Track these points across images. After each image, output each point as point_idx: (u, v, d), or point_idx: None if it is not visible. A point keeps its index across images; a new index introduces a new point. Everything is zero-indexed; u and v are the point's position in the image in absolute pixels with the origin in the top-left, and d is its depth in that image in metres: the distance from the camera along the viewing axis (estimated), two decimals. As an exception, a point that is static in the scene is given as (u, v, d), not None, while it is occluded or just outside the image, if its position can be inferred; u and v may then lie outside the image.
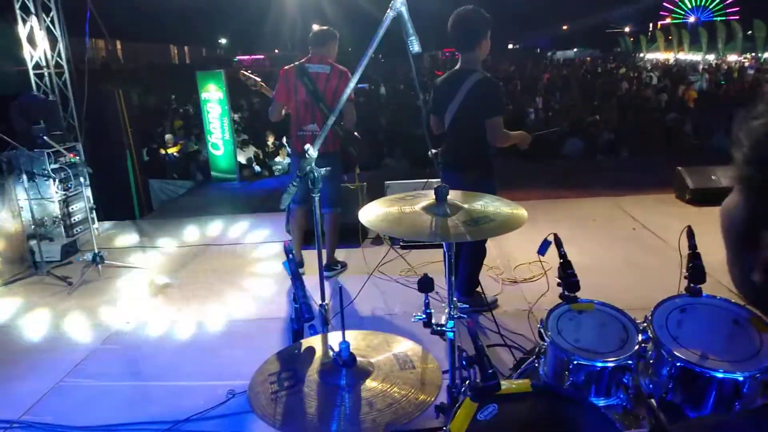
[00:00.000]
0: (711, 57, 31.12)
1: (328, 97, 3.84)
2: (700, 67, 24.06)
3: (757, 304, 0.61)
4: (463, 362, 1.64)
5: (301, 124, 3.97)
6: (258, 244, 5.28)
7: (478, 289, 3.67)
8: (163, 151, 9.74)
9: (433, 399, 1.32)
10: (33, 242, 4.95)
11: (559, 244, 2.11)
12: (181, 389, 3.05)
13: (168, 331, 3.72)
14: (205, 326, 3.77)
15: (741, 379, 1.67)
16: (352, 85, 2.18)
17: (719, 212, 0.64)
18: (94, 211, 5.37)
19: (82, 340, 3.64)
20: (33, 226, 4.98)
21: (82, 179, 4.79)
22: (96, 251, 4.61)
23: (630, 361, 1.84)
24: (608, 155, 9.55)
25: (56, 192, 5.18)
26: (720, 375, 1.69)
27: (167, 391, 3.05)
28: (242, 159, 9.17)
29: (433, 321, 1.85)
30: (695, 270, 1.96)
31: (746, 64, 24.80)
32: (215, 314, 3.92)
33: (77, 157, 4.87)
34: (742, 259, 0.59)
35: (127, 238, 5.64)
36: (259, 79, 4.38)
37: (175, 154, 10.09)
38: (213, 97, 8.06)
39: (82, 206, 5.15)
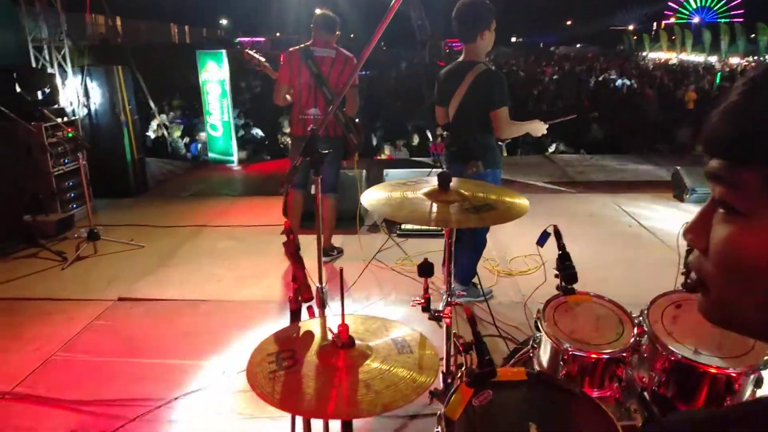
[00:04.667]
0: (713, 59, 31.10)
1: (331, 82, 3.82)
2: (701, 68, 24.06)
3: None
4: (460, 348, 1.65)
5: (303, 108, 3.95)
6: (256, 227, 5.26)
7: (475, 279, 3.69)
8: (160, 132, 9.66)
9: (431, 382, 1.32)
10: (27, 217, 4.93)
11: (558, 236, 2.11)
12: (175, 367, 3.06)
13: (163, 309, 3.72)
14: (201, 306, 3.77)
15: (734, 375, 1.69)
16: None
17: (719, 253, 0.53)
18: (90, 188, 5.34)
19: (75, 315, 3.64)
20: (28, 201, 4.96)
21: (79, 154, 4.75)
22: (92, 227, 4.59)
23: (624, 354, 1.86)
24: (605, 153, 9.57)
25: (52, 166, 5.16)
26: (713, 370, 1.70)
27: (162, 368, 3.05)
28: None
29: (431, 307, 1.86)
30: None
31: (748, 67, 24.79)
32: (211, 295, 3.92)
33: (75, 132, 4.83)
34: None
35: (124, 215, 5.62)
36: (263, 59, 4.35)
37: (175, 136, 10.01)
38: (213, 77, 7.99)
39: (78, 182, 5.12)
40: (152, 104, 8.87)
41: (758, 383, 1.72)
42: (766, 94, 0.49)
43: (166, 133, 9.46)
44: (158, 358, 3.15)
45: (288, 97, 4.03)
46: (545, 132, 3.31)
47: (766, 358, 1.70)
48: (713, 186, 0.53)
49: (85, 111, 6.15)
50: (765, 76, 0.50)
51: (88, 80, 6.11)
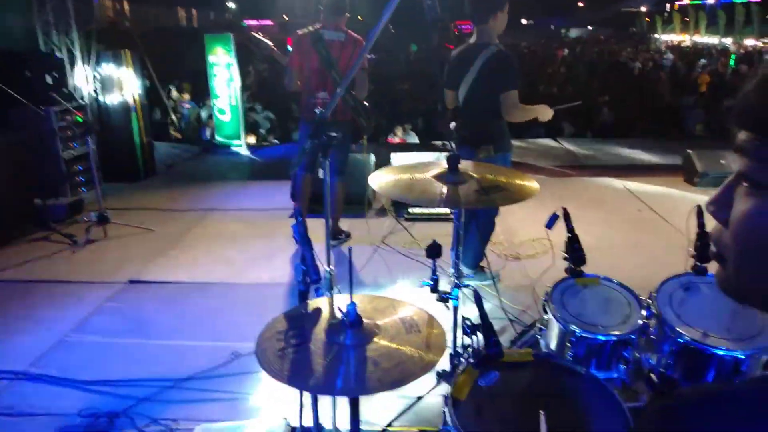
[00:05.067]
0: (728, 40, 30.53)
1: (341, 65, 3.79)
2: (715, 50, 23.64)
3: None
4: (467, 330, 1.65)
5: (313, 91, 3.93)
6: (264, 210, 5.28)
7: (483, 263, 3.68)
8: (174, 117, 9.65)
9: (438, 360, 1.33)
10: (38, 200, 4.97)
11: (567, 219, 2.10)
12: (184, 349, 3.09)
13: (173, 293, 3.75)
14: (210, 289, 3.81)
15: (742, 357, 1.68)
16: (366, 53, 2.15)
17: (739, 226, 0.54)
18: (99, 171, 5.37)
19: (86, 297, 3.68)
20: (39, 184, 4.99)
21: (89, 138, 4.77)
22: (101, 211, 4.62)
23: (632, 336, 1.86)
24: (614, 136, 9.48)
25: (62, 150, 5.19)
26: (721, 352, 1.70)
27: (170, 350, 3.09)
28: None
29: (439, 288, 1.86)
30: (702, 249, 1.96)
31: (764, 48, 24.33)
32: (220, 277, 3.96)
33: (84, 116, 4.84)
34: None
35: (133, 199, 5.66)
36: (271, 43, 4.33)
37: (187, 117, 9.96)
38: (221, 61, 7.96)
39: (87, 166, 5.14)
40: (161, 91, 8.86)
41: (766, 366, 1.72)
42: None
43: (174, 117, 9.47)
44: (168, 340, 3.18)
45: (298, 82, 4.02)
46: (551, 117, 3.29)
47: (775, 340, 1.69)
48: (739, 159, 0.53)
49: (94, 95, 6.16)
50: None
51: (96, 64, 6.11)
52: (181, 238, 4.66)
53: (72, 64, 5.99)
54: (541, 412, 1.42)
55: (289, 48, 4.09)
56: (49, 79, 5.30)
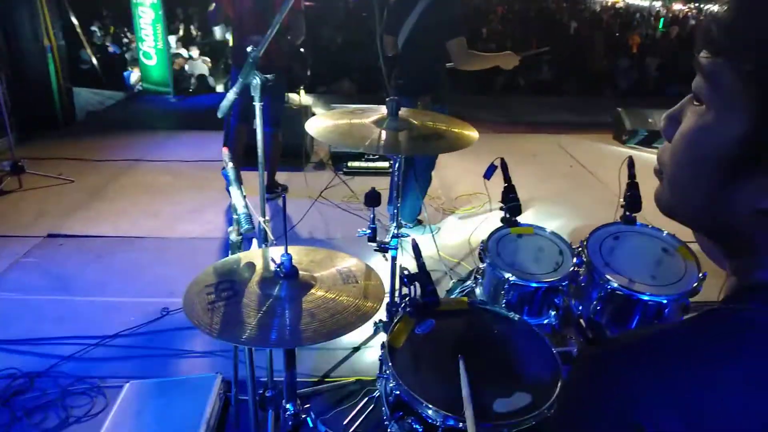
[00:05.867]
0: (658, 3, 31.49)
1: (277, 6, 3.58)
2: (646, 12, 24.35)
3: (726, 235, 0.55)
4: (404, 279, 1.64)
5: (245, 34, 3.70)
6: (195, 162, 5.05)
7: (420, 216, 3.70)
8: (95, 61, 8.93)
9: (376, 310, 1.31)
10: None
11: (505, 168, 2.11)
12: (110, 305, 2.95)
13: (96, 247, 3.54)
14: (136, 243, 3.62)
15: (665, 302, 1.77)
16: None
17: (684, 140, 0.54)
18: (11, 118, 4.92)
19: (1, 252, 3.41)
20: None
21: (-4, 80, 4.34)
22: (15, 160, 4.27)
23: (563, 283, 1.91)
24: (550, 94, 9.67)
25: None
26: (646, 297, 1.78)
27: (96, 307, 2.94)
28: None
29: (378, 238, 1.83)
30: (632, 199, 2.03)
31: (689, 13, 25.32)
32: (148, 231, 3.77)
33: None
34: (731, 188, 0.50)
35: (50, 148, 5.24)
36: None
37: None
38: (146, 0, 7.40)
39: (-3, 110, 4.70)
40: (81, 32, 8.16)
41: (685, 310, 1.82)
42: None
43: (95, 61, 8.77)
44: (93, 297, 3.02)
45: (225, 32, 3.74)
46: (517, 64, 3.17)
47: (694, 284, 1.79)
48: (697, 77, 0.54)
49: (2, 35, 5.57)
50: None
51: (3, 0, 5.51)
52: (104, 190, 4.39)
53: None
54: (459, 356, 1.44)
55: None
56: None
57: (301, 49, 3.83)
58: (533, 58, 3.29)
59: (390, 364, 1.46)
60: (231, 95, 1.93)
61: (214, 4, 3.74)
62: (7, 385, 2.36)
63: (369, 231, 1.80)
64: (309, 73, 3.95)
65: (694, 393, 0.46)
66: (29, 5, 5.50)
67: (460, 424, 1.29)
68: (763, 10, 0.47)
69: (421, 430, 1.37)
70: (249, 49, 1.86)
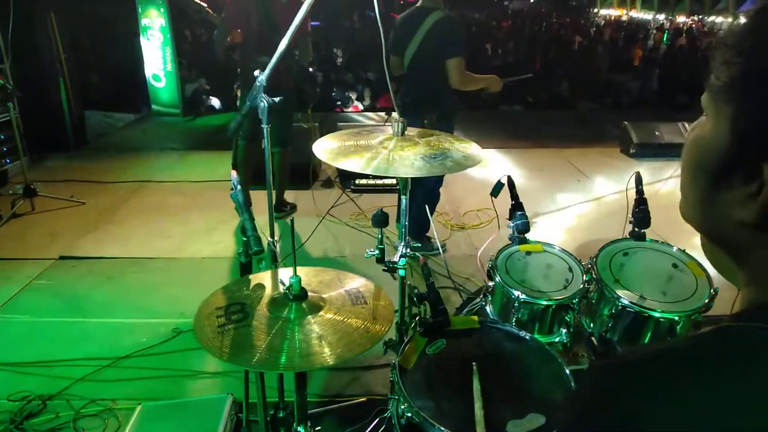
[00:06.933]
0: (661, 17, 31.58)
1: (283, 27, 3.63)
2: (650, 26, 24.44)
3: (725, 243, 0.57)
4: (415, 299, 1.64)
5: (253, 54, 3.75)
6: (205, 182, 5.09)
7: (429, 233, 3.70)
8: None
9: (386, 332, 1.31)
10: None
11: (512, 186, 2.12)
12: (122, 326, 2.96)
13: (107, 269, 3.57)
14: (147, 264, 3.65)
15: (676, 318, 1.76)
16: (302, 13, 2.05)
17: (686, 146, 0.58)
18: (24, 141, 5.00)
19: (14, 275, 3.45)
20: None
21: (10, 104, 4.42)
22: (28, 183, 4.32)
23: (573, 301, 1.90)
24: (558, 109, 9.68)
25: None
26: (657, 315, 1.77)
27: (107, 328, 2.95)
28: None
29: (386, 258, 1.84)
30: (641, 214, 2.02)
31: (693, 26, 25.36)
32: (158, 251, 3.79)
33: (4, 80, 4.47)
34: (716, 196, 0.53)
35: (62, 171, 5.31)
36: (205, 5, 4.10)
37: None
38: (154, 24, 7.52)
39: (10, 135, 4.77)
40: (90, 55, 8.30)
41: (698, 326, 1.80)
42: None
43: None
44: (105, 318, 3.04)
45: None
46: (500, 88, 3.29)
47: (706, 301, 1.77)
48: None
49: (15, 59, 5.67)
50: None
51: (16, 26, 5.61)
52: (114, 212, 4.43)
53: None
54: (473, 364, 1.43)
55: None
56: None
57: (310, 69, 3.87)
58: (516, 83, 3.37)
59: (401, 386, 1.45)
60: (239, 118, 1.95)
61: (220, 25, 3.77)
62: (20, 407, 2.37)
63: (377, 252, 1.81)
64: (318, 92, 3.97)
65: (701, 410, 0.46)
66: (41, 30, 5.61)
67: (473, 446, 1.28)
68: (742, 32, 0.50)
69: (433, 452, 1.36)
70: (256, 73, 1.89)
